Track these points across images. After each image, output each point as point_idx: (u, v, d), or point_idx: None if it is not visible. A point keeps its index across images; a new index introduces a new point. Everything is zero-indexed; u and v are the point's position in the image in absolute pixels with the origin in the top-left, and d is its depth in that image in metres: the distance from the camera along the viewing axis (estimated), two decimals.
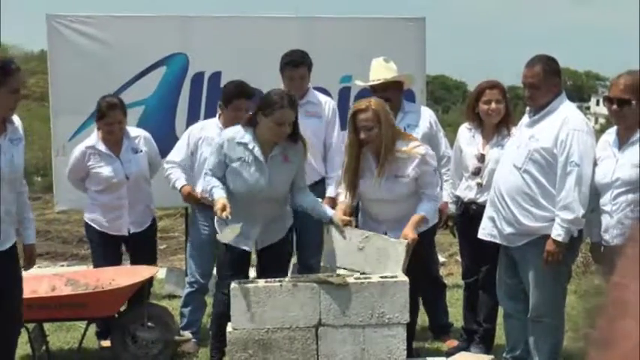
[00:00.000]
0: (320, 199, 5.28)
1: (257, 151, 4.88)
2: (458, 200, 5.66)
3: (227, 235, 4.80)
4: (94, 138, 5.86)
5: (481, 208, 5.25)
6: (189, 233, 6.35)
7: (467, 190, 5.54)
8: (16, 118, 4.54)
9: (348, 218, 4.96)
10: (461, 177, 5.62)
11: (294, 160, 4.99)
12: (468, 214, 5.52)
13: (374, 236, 4.88)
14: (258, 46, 6.98)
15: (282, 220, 5.20)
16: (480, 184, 5.43)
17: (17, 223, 4.67)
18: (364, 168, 5.02)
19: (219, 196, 4.83)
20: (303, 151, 5.03)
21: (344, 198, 5.13)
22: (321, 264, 5.07)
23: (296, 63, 5.83)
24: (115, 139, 5.81)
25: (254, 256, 5.41)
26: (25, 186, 4.88)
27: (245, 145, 4.90)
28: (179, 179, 5.76)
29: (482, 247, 5.23)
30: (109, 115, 5.72)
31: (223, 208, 4.72)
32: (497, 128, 5.42)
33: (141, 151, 5.90)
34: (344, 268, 4.95)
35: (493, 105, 5.38)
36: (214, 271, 5.91)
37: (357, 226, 5.07)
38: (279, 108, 4.76)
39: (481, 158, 5.44)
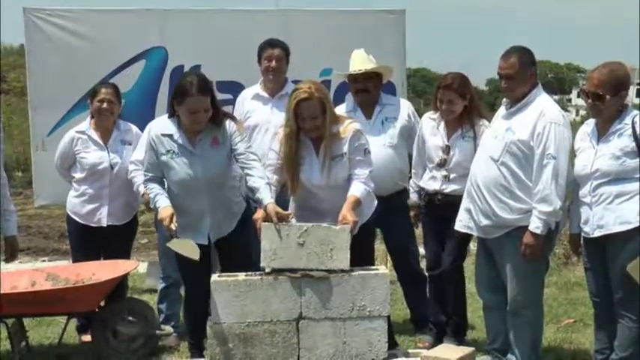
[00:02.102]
0: (268, 184, 4.75)
1: (182, 140, 4.82)
2: (421, 191, 5.63)
3: (175, 244, 4.76)
4: (85, 124, 5.91)
5: (448, 198, 5.31)
6: (157, 229, 6.32)
7: (431, 181, 5.51)
8: None
9: (284, 212, 4.65)
10: (424, 167, 5.59)
11: (224, 141, 4.88)
12: (433, 205, 5.51)
13: (313, 227, 4.60)
14: (237, 39, 6.98)
15: (231, 207, 5.10)
16: (446, 177, 5.41)
17: None
18: (303, 155, 4.85)
19: (164, 206, 4.77)
20: (235, 128, 4.89)
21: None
22: (261, 265, 4.64)
23: (273, 44, 5.91)
24: (105, 124, 5.84)
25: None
26: (5, 178, 4.85)
27: (170, 136, 4.85)
28: (142, 184, 5.71)
29: (446, 238, 5.30)
30: (100, 91, 5.80)
31: (170, 219, 4.70)
32: (458, 122, 5.40)
33: (130, 143, 5.89)
34: (285, 270, 4.60)
35: (443, 106, 5.37)
36: None
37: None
38: (190, 96, 4.69)
39: (446, 150, 5.42)
